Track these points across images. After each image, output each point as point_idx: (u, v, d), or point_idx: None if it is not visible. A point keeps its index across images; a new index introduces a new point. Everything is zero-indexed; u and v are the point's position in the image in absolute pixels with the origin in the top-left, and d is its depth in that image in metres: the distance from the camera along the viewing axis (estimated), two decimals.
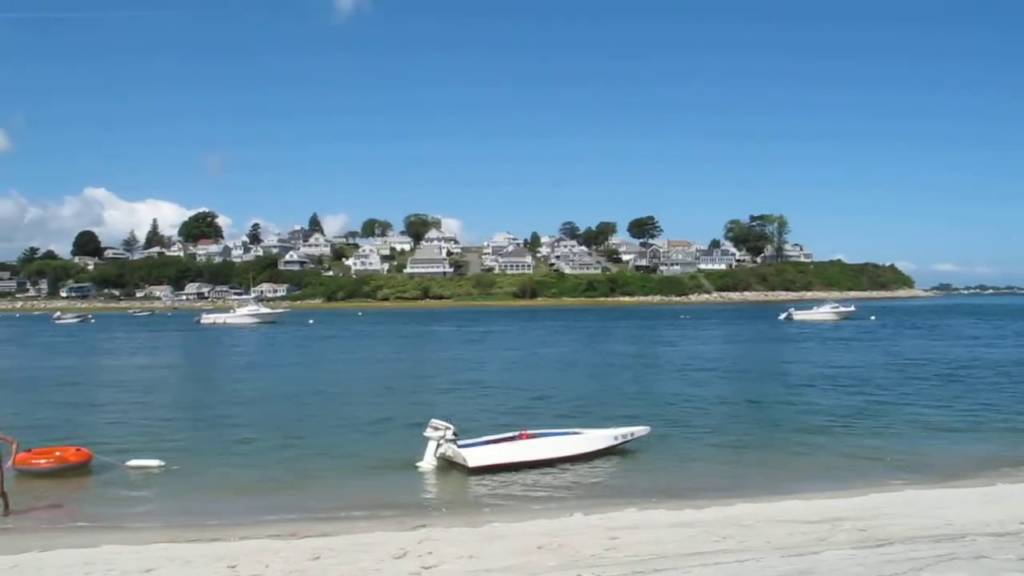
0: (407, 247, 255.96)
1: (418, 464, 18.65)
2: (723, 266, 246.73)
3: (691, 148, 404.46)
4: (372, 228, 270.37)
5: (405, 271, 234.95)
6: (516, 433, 19.76)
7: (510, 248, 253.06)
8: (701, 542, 10.72)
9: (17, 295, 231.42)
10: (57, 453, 19.26)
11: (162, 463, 19.07)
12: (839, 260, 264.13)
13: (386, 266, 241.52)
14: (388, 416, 26.59)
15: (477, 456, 18.15)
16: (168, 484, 17.77)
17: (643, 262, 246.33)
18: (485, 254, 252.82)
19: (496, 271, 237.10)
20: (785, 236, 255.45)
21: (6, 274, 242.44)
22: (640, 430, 20.85)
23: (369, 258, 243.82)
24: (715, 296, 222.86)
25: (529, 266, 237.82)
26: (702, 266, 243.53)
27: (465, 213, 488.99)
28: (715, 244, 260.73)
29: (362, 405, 29.86)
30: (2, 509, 12.55)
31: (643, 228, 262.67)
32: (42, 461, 18.89)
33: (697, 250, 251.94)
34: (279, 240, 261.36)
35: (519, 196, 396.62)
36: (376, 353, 58.52)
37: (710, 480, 17.54)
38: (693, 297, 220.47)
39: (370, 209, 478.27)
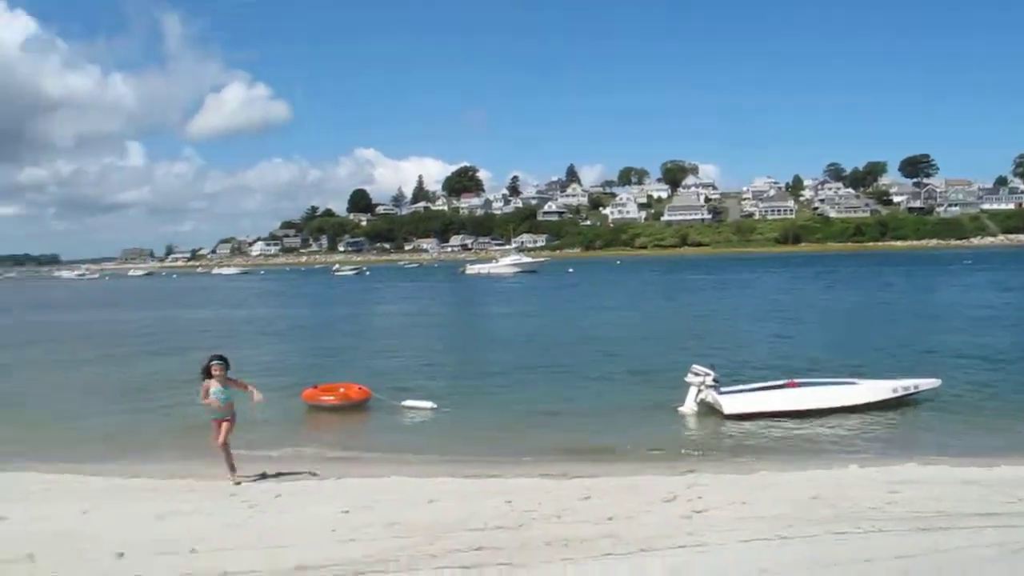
0: (664, 195, 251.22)
1: (679, 409, 17.99)
2: (1010, 206, 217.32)
3: (970, 76, 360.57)
4: (628, 177, 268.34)
5: (662, 219, 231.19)
6: (784, 382, 18.31)
7: (771, 192, 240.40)
8: (992, 503, 9.65)
9: (301, 250, 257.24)
10: (341, 390, 20.02)
11: (434, 405, 19.23)
12: None
13: (643, 214, 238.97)
14: (649, 362, 25.62)
15: (734, 403, 17.40)
16: (441, 424, 18.02)
17: (916, 204, 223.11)
18: (744, 199, 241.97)
19: (756, 217, 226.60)
20: None
21: (292, 231, 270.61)
22: (927, 383, 18.23)
23: (626, 206, 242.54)
24: (1001, 239, 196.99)
25: (791, 211, 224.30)
26: (985, 206, 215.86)
27: (722, 159, 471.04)
28: (1001, 182, 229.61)
29: (623, 350, 29.01)
30: (228, 471, 12.05)
31: (916, 167, 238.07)
32: (328, 397, 19.67)
33: (979, 189, 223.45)
34: (537, 192, 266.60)
35: (779, 139, 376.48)
36: (635, 301, 57.56)
37: (1002, 441, 15.07)
38: (975, 240, 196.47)
39: (626, 158, 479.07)
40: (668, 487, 10.91)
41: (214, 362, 11.54)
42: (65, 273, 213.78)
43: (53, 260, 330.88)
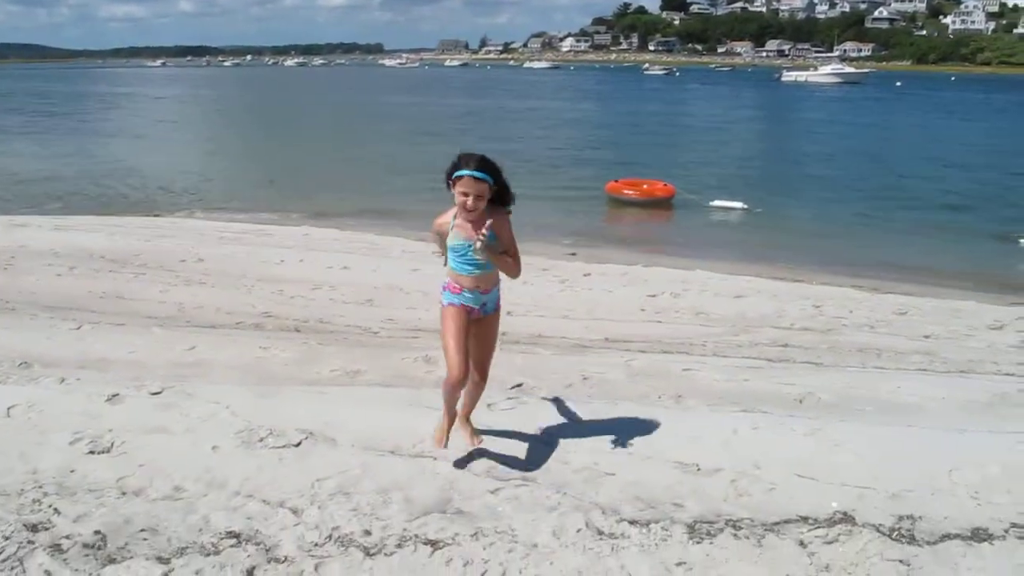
0: (1021, 2, 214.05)
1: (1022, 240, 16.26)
2: None
3: None
4: None
5: (1015, 31, 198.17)
6: None
7: None
8: None
9: (611, 48, 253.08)
10: (645, 186, 20.09)
11: (745, 206, 18.79)
12: None
13: (991, 25, 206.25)
14: (990, 188, 23.23)
15: None
16: (750, 225, 17.71)
17: None
18: None
19: None
20: None
21: (603, 28, 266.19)
22: None
23: (971, 15, 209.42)
24: None
25: None
26: None
27: None
28: None
29: (960, 173, 26.43)
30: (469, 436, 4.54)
31: None
32: (631, 192, 19.82)
33: None
34: None
35: None
36: (973, 122, 51.14)
37: None
38: None
39: None
40: (995, 315, 10.05)
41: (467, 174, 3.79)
42: (388, 61, 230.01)
43: (378, 49, 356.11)
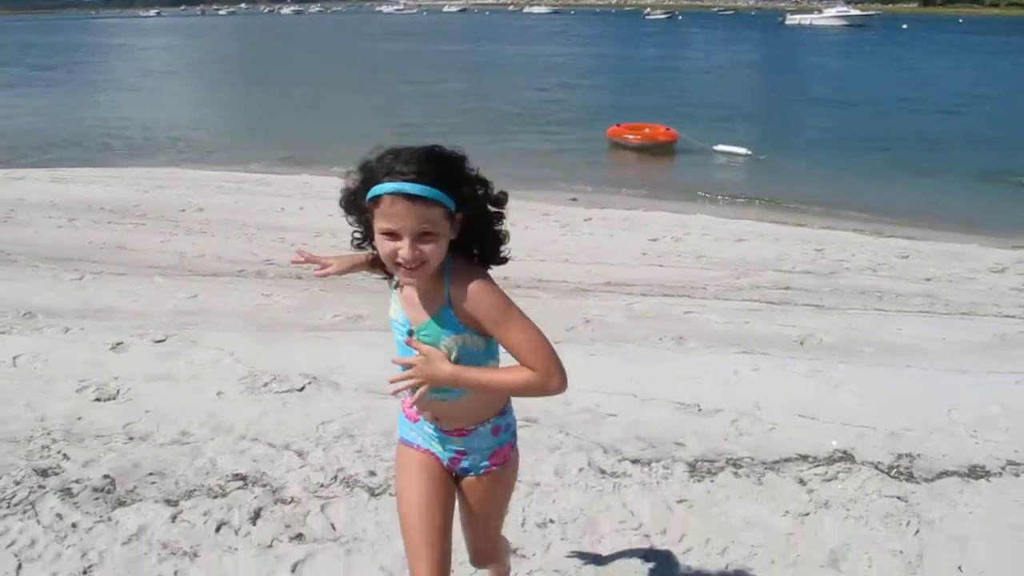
0: None
1: None
2: None
3: None
4: None
5: None
6: None
7: None
8: None
9: None
10: (646, 130, 19.94)
11: (748, 151, 18.62)
12: None
13: None
14: (995, 131, 22.81)
15: None
16: (753, 170, 17.55)
17: None
18: None
19: None
20: None
21: None
22: None
23: None
24: None
25: None
26: None
27: None
28: None
29: (958, 115, 26.15)
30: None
31: None
32: (632, 136, 19.67)
33: None
34: None
35: None
36: (980, 65, 50.48)
37: None
38: None
39: None
40: (996, 258, 10.07)
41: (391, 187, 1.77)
42: (385, 8, 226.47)
43: None
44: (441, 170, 1.78)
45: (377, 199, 1.78)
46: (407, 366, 1.94)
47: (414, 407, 2.11)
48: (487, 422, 2.07)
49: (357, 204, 1.89)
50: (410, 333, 1.97)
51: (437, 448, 2.11)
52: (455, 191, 1.80)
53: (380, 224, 1.80)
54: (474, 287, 1.85)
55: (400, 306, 2.03)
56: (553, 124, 23.48)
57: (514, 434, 2.16)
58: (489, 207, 1.90)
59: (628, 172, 17.26)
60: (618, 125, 20.21)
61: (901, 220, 13.34)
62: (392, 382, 1.97)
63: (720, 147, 19.00)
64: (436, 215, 1.77)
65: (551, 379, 1.84)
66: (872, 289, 8.09)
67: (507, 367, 1.90)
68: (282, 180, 14.38)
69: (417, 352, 1.93)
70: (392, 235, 1.79)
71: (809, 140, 21.51)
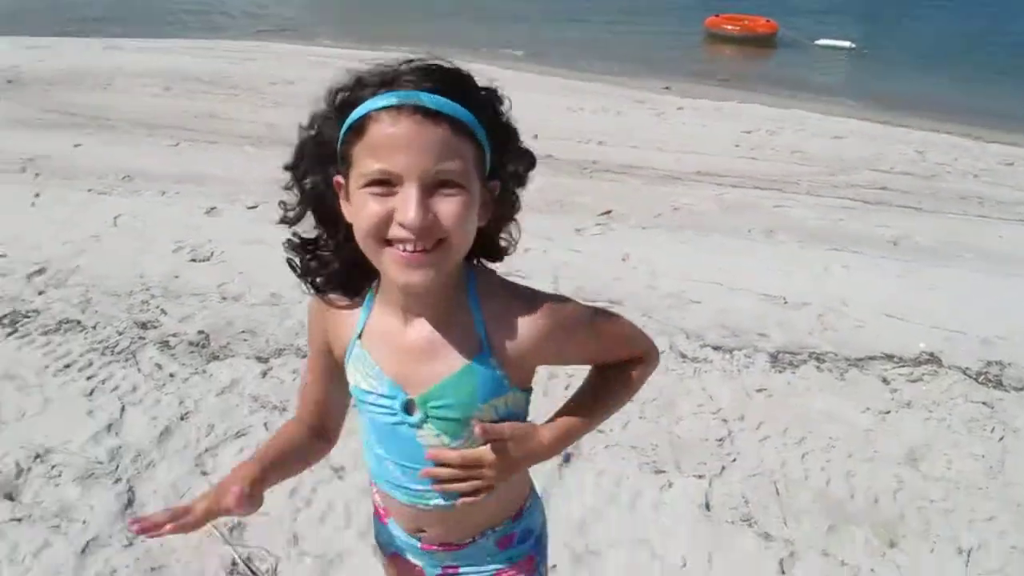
0: None
1: None
2: None
3: None
4: None
5: None
6: None
7: None
8: None
9: None
10: (746, 21, 19.14)
11: (852, 45, 17.70)
12: None
13: None
14: None
15: None
16: (855, 65, 16.71)
17: None
18: None
19: None
20: None
21: None
22: None
23: None
24: None
25: None
26: None
27: None
28: None
29: None
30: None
31: None
32: (731, 27, 18.96)
33: None
34: None
35: None
36: None
37: None
38: None
39: None
40: None
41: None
42: None
43: None
44: (478, 96, 1.04)
45: (362, 126, 1.01)
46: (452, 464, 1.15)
47: (384, 507, 1.36)
48: (489, 532, 1.31)
49: (320, 153, 1.11)
50: (408, 406, 1.14)
51: (427, 565, 1.37)
52: (495, 138, 1.05)
53: (364, 167, 0.99)
54: (534, 315, 1.10)
55: (373, 361, 1.16)
56: (646, 15, 22.61)
57: (539, 540, 1.39)
58: (519, 189, 1.13)
59: (724, 64, 16.59)
60: (717, 16, 19.40)
61: (1009, 126, 12.52)
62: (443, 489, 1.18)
63: (822, 41, 18.13)
64: (464, 155, 0.99)
65: (656, 352, 1.29)
66: (973, 194, 7.71)
67: (596, 383, 1.27)
68: (374, 56, 14.21)
69: (483, 439, 1.12)
70: (385, 185, 0.98)
71: (919, 35, 20.36)
